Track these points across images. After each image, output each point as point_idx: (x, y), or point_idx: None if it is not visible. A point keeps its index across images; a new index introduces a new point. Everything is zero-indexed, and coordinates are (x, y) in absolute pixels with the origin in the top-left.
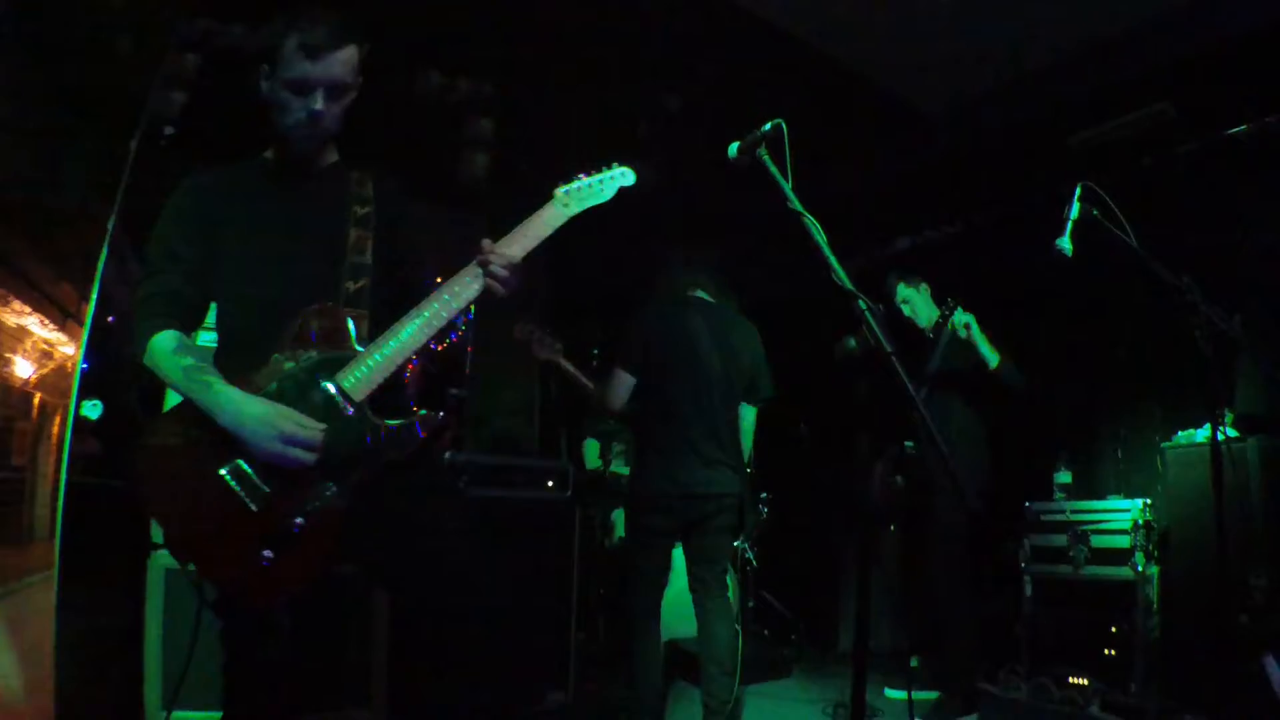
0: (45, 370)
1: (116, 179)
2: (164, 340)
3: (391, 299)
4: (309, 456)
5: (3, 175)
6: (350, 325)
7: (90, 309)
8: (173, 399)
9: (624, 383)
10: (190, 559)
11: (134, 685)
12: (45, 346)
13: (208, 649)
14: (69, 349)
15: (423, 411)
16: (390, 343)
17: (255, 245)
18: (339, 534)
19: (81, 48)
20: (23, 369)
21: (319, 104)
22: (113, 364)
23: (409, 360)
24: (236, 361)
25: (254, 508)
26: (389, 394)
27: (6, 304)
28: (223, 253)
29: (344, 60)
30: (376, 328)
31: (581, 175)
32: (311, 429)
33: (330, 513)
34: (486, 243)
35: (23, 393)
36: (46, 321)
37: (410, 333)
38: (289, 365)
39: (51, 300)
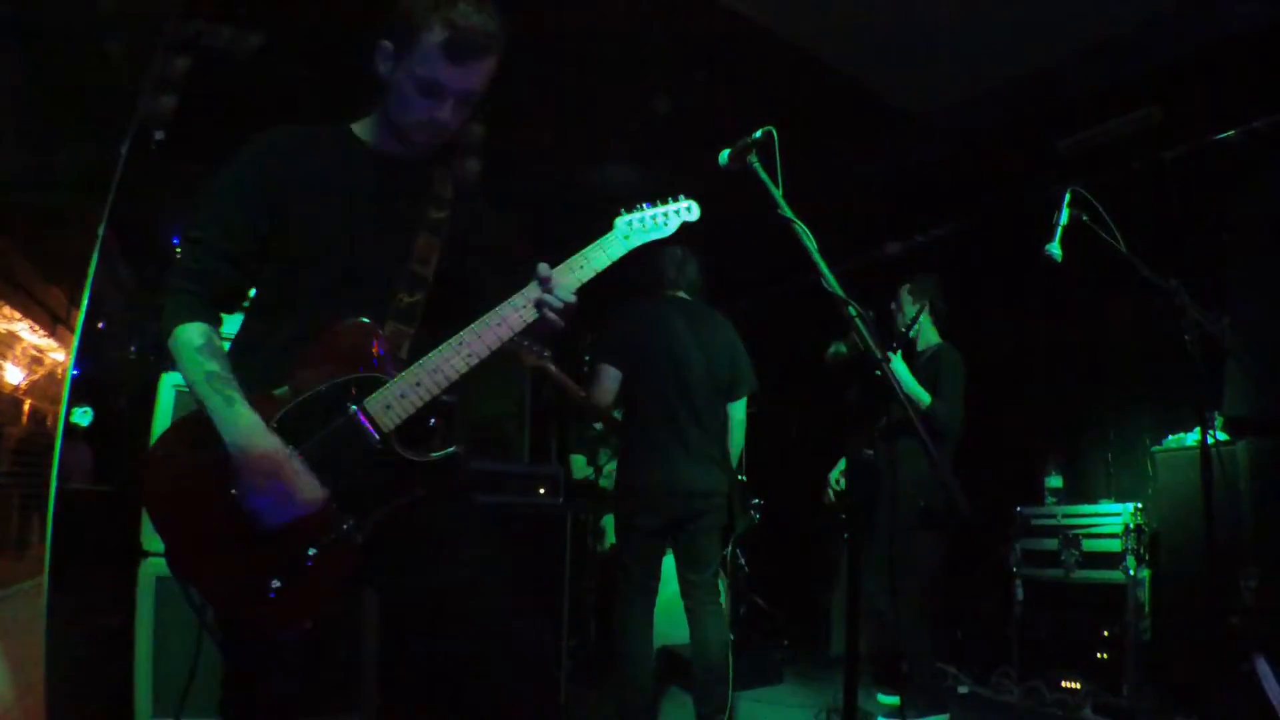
0: (35, 376)
1: (107, 183)
2: (191, 334)
3: (442, 316)
4: (284, 516)
5: None
6: (391, 345)
7: (81, 314)
8: (163, 405)
9: (610, 377)
10: (192, 580)
11: (124, 692)
12: (35, 352)
13: (205, 656)
14: (59, 355)
15: (451, 449)
16: (430, 371)
17: (324, 227)
18: (352, 570)
19: (74, 49)
20: (12, 375)
21: (447, 113)
22: (103, 370)
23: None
24: (260, 350)
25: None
26: (424, 425)
27: None
28: (286, 226)
29: (486, 70)
30: (419, 348)
31: (644, 205)
32: (312, 494)
33: (345, 548)
34: (544, 268)
35: (12, 399)
36: (36, 327)
37: (455, 365)
38: (315, 386)
39: (42, 305)
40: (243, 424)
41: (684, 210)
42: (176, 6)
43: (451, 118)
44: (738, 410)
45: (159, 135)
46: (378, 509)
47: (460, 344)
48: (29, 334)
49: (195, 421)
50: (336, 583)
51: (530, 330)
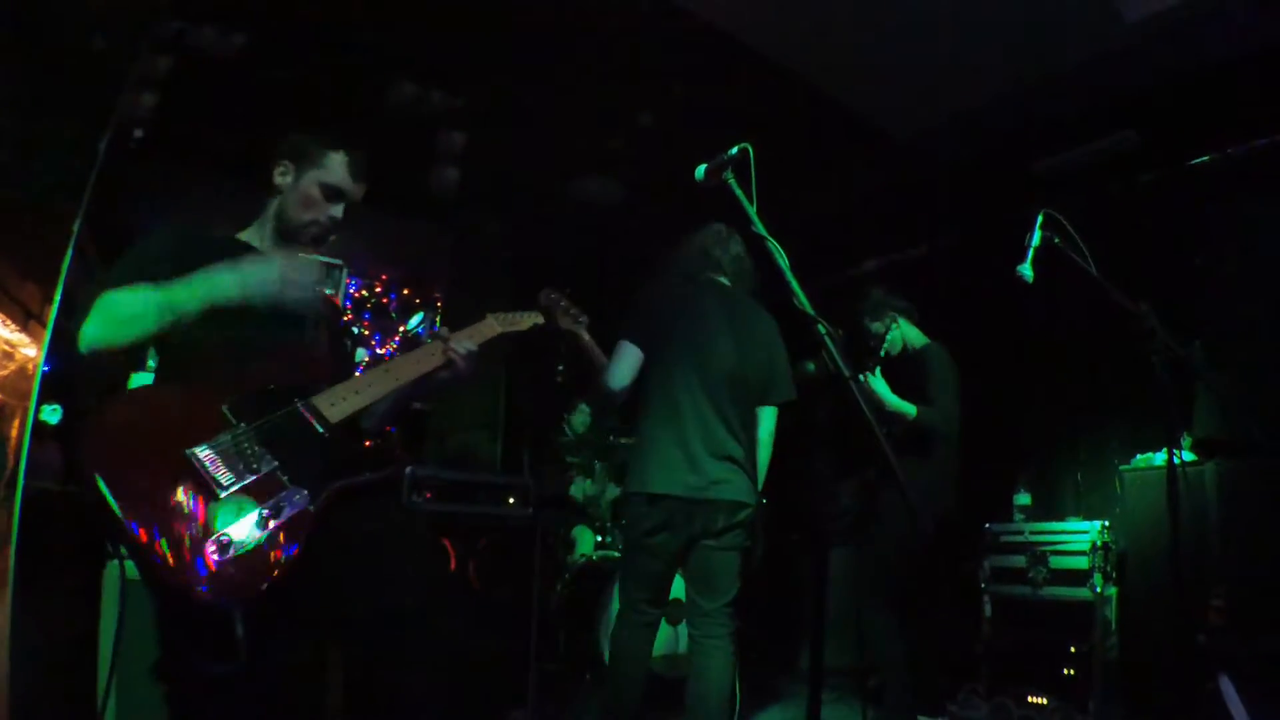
0: (5, 372)
1: (84, 179)
2: (117, 292)
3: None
4: (310, 280)
5: None
6: (321, 366)
7: (53, 310)
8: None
9: (631, 356)
10: (136, 545)
11: (89, 696)
12: (6, 347)
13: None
14: (30, 350)
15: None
16: (365, 384)
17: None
18: (303, 541)
19: (52, 47)
20: None
21: (340, 214)
22: (75, 367)
23: (376, 402)
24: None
25: (220, 494)
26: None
27: None
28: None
29: (362, 191)
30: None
31: (505, 312)
32: (307, 259)
33: (298, 517)
34: (445, 330)
35: None
36: (8, 322)
37: (380, 381)
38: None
39: (14, 300)
40: (216, 276)
41: (534, 315)
42: (160, 5)
43: (339, 219)
44: (767, 419)
45: (138, 134)
46: (327, 487)
47: (387, 370)
48: (1, 329)
49: (149, 390)
50: (293, 546)
51: (435, 373)
